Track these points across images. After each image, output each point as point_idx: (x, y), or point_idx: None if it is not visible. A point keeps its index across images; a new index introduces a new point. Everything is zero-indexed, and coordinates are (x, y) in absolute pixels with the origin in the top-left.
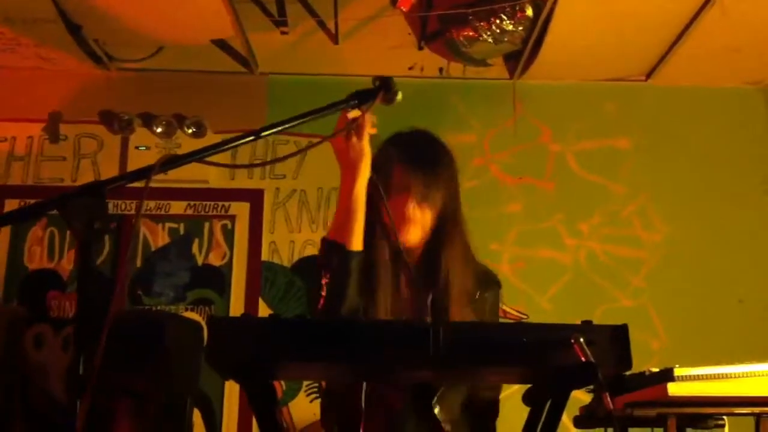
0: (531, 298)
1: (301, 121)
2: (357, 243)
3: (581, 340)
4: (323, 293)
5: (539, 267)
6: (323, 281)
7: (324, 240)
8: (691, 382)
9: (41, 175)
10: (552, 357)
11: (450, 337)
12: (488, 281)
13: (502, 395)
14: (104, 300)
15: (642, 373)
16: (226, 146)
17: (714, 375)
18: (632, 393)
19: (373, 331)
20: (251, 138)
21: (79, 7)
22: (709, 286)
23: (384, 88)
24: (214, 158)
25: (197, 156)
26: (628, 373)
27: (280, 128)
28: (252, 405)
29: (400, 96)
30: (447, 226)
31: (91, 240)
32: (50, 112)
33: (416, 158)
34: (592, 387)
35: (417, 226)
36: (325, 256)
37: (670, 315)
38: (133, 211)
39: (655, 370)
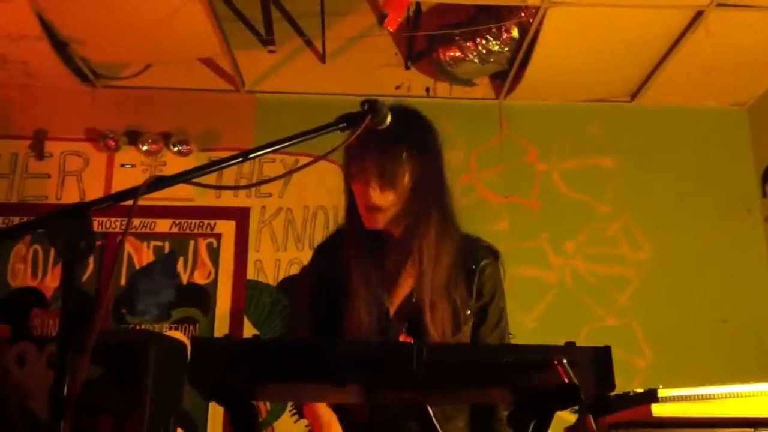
0: (517, 317)
1: (290, 143)
2: None
3: (564, 361)
4: None
5: (525, 286)
6: None
7: None
8: (675, 403)
9: (26, 193)
10: (535, 378)
11: (433, 357)
12: (481, 252)
13: None
14: (88, 319)
15: (626, 394)
16: (215, 168)
17: (698, 396)
18: (616, 413)
19: (355, 351)
20: (239, 160)
21: (66, 25)
22: (694, 305)
23: (371, 111)
24: (201, 178)
25: (184, 178)
26: (612, 393)
27: (268, 150)
28: (233, 426)
29: (389, 119)
30: (418, 205)
31: (75, 260)
32: (35, 129)
33: (368, 140)
34: (576, 408)
35: (383, 211)
36: None
37: (655, 334)
38: (118, 229)
39: (640, 390)
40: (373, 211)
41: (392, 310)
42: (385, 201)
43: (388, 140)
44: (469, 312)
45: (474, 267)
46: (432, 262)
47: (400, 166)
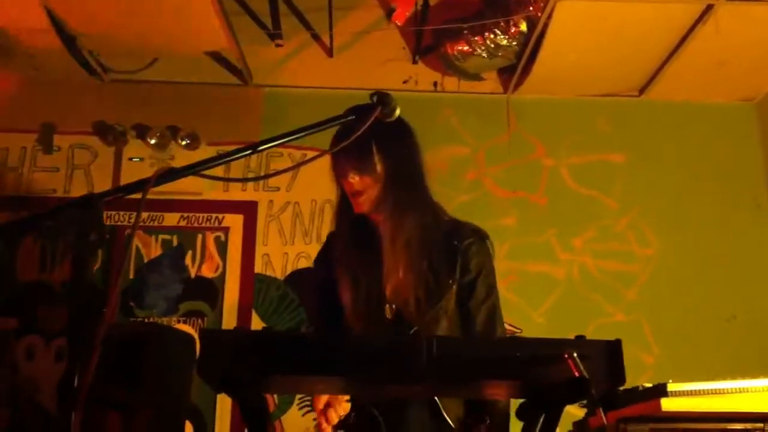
0: (524, 312)
1: (299, 135)
2: None
3: (575, 355)
4: None
5: (532, 281)
6: None
7: None
8: (685, 398)
9: (34, 186)
10: (545, 372)
11: (443, 351)
12: (465, 232)
13: None
14: (97, 312)
15: (635, 389)
16: (223, 160)
17: (708, 390)
18: (625, 408)
19: (365, 344)
20: (248, 152)
21: (74, 18)
22: (702, 301)
23: (381, 103)
24: (208, 171)
25: (194, 169)
26: (621, 388)
27: (277, 142)
28: (244, 418)
29: (398, 111)
30: (394, 189)
31: (85, 252)
32: (43, 122)
33: (343, 142)
34: (585, 402)
35: (364, 194)
36: None
37: (663, 330)
38: (126, 222)
39: (648, 385)
40: (356, 196)
41: (388, 291)
42: (363, 185)
43: (359, 136)
44: (450, 282)
45: (457, 244)
46: (389, 235)
47: (370, 156)
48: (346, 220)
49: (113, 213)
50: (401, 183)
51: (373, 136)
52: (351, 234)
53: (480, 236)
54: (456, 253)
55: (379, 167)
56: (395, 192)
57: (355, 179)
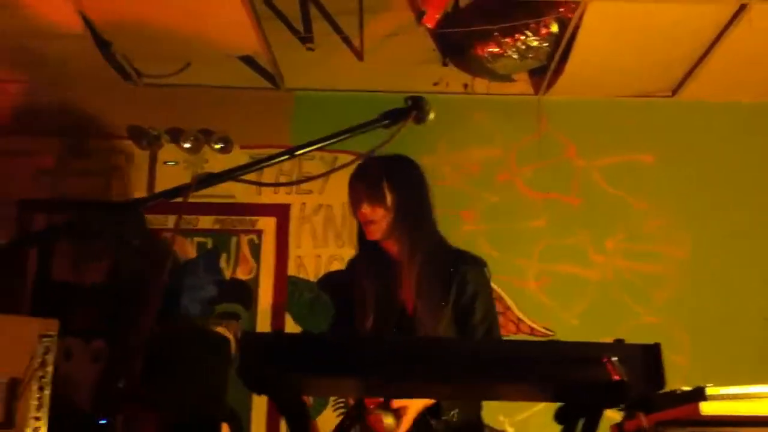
0: (557, 314)
1: (336, 140)
2: None
3: (614, 359)
4: None
5: (565, 282)
6: None
7: None
8: (724, 402)
9: (68, 190)
10: (584, 375)
11: (484, 354)
12: (462, 260)
13: (528, 413)
14: (135, 314)
15: (673, 392)
16: (261, 165)
17: (748, 394)
18: (663, 412)
19: (405, 347)
20: (286, 157)
21: (108, 23)
22: (735, 303)
23: (415, 107)
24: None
25: (232, 175)
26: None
27: (314, 147)
28: (286, 420)
29: (432, 115)
30: (400, 221)
31: (126, 255)
32: (78, 126)
33: (358, 177)
34: (623, 406)
35: (375, 224)
36: None
37: (695, 332)
38: (160, 226)
39: (686, 388)
40: (368, 224)
41: (399, 306)
42: (375, 215)
43: (372, 173)
44: (447, 303)
45: (457, 269)
46: (398, 259)
47: (381, 189)
48: (363, 245)
49: (148, 216)
50: (410, 214)
51: (384, 170)
52: (367, 257)
53: (477, 264)
54: (452, 279)
55: (389, 199)
56: (403, 222)
57: (367, 209)
